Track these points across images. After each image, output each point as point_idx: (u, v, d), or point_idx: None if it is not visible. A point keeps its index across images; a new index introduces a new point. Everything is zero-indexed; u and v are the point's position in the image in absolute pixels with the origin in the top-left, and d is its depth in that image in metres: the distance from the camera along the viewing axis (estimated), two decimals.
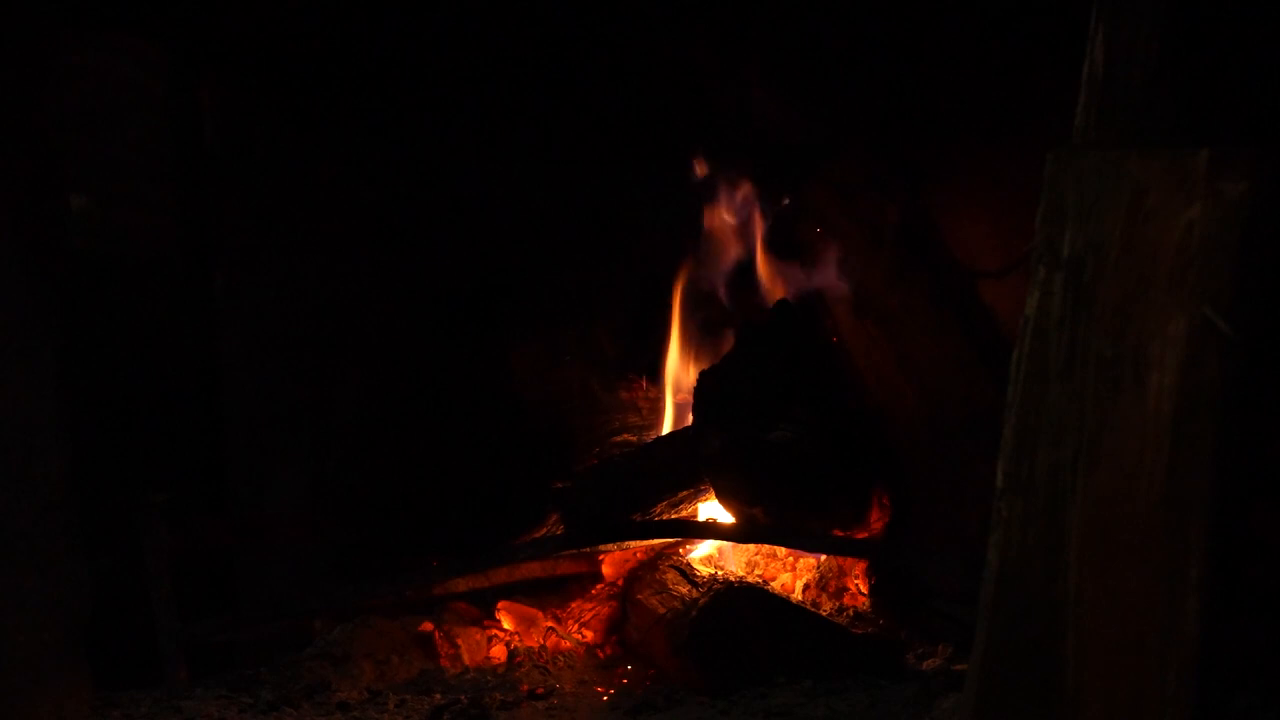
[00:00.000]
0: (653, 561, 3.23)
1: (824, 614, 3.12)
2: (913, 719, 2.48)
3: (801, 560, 3.31)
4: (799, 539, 3.12)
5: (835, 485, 3.17)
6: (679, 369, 3.57)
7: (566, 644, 3.15)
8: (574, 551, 3.20)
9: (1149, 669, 1.45)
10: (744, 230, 3.58)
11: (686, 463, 3.16)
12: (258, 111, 3.45)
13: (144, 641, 2.93)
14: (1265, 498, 2.00)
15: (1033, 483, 1.52)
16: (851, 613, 3.18)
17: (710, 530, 3.12)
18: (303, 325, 3.50)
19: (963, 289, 3.22)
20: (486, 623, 3.19)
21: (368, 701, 2.81)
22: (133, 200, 3.34)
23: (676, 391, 3.57)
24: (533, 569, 3.25)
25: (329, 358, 3.52)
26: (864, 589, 3.22)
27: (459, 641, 3.10)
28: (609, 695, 2.89)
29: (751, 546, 3.28)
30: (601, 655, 3.15)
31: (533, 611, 3.20)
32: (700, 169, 3.57)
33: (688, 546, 3.27)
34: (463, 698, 2.79)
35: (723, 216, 3.59)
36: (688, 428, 3.35)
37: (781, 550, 3.29)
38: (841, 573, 3.26)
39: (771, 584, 3.21)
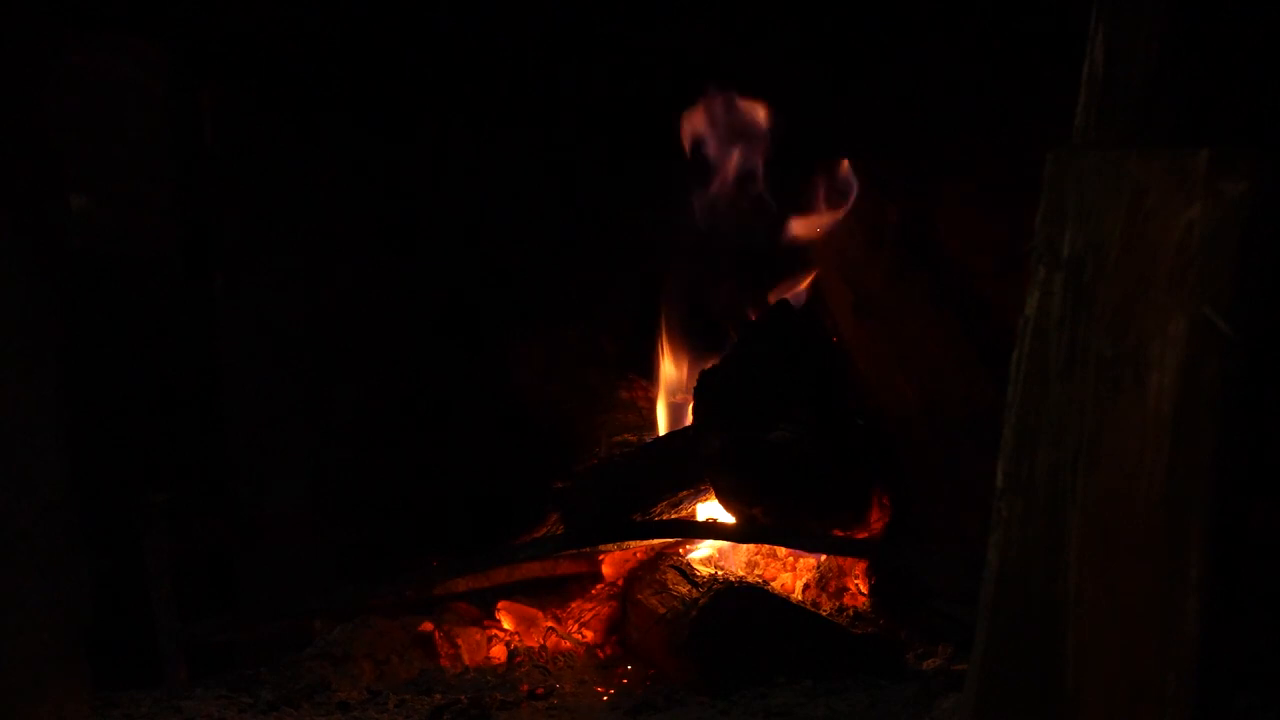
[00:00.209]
0: (653, 561, 3.23)
1: (824, 614, 3.12)
2: (913, 719, 2.48)
3: (801, 560, 3.31)
4: (799, 539, 3.13)
5: (835, 485, 3.16)
6: (675, 368, 3.58)
7: (566, 644, 3.15)
8: (574, 551, 3.20)
9: (1149, 669, 1.45)
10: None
11: (686, 463, 3.16)
12: (258, 111, 3.45)
13: (144, 641, 2.93)
14: (1265, 498, 2.00)
15: (1033, 483, 1.52)
16: (851, 613, 3.18)
17: (710, 530, 3.12)
18: (303, 325, 3.50)
19: (963, 289, 3.23)
20: (486, 623, 3.19)
21: (368, 701, 2.81)
22: (133, 200, 3.34)
23: (673, 393, 3.57)
24: (533, 569, 3.25)
25: (329, 358, 3.52)
26: (864, 589, 3.22)
27: (459, 641, 3.10)
28: (609, 695, 2.89)
29: (751, 546, 3.28)
30: (601, 655, 3.15)
31: (533, 611, 3.20)
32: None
33: (688, 546, 3.27)
34: (463, 698, 2.79)
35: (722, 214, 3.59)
36: (688, 428, 3.35)
37: (781, 550, 3.29)
38: (841, 573, 3.26)
39: (771, 584, 3.21)
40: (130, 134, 3.32)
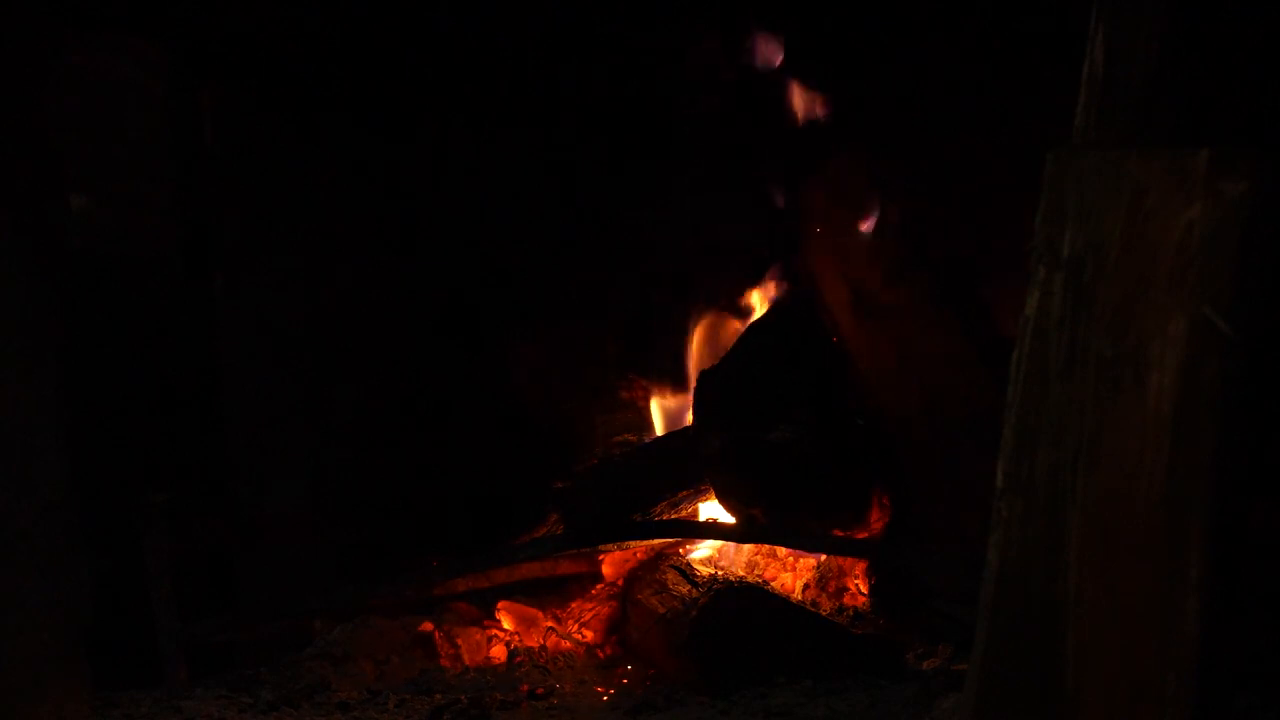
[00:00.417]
0: (653, 561, 3.23)
1: (824, 614, 3.12)
2: (913, 719, 2.48)
3: (801, 560, 3.31)
4: (799, 539, 3.13)
5: (835, 485, 3.16)
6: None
7: (566, 644, 3.15)
8: (574, 551, 3.20)
9: (1149, 669, 1.45)
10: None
11: (686, 463, 3.16)
12: (258, 111, 3.45)
13: (144, 641, 2.93)
14: (1265, 498, 2.00)
15: (1033, 483, 1.52)
16: (851, 613, 3.18)
17: (710, 530, 3.12)
18: (303, 325, 3.50)
19: (963, 289, 3.23)
20: (486, 623, 3.19)
21: (368, 701, 2.81)
22: (133, 200, 3.34)
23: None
24: (533, 569, 3.25)
25: (329, 358, 3.52)
26: (864, 589, 3.22)
27: (459, 641, 3.10)
28: (609, 695, 2.89)
29: (751, 546, 3.28)
30: (601, 655, 3.15)
31: (533, 611, 3.20)
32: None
33: (688, 546, 3.27)
34: (463, 698, 2.79)
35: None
36: (688, 428, 3.35)
37: (781, 550, 3.29)
38: (841, 573, 3.26)
39: (771, 584, 3.21)
40: (130, 134, 3.32)
